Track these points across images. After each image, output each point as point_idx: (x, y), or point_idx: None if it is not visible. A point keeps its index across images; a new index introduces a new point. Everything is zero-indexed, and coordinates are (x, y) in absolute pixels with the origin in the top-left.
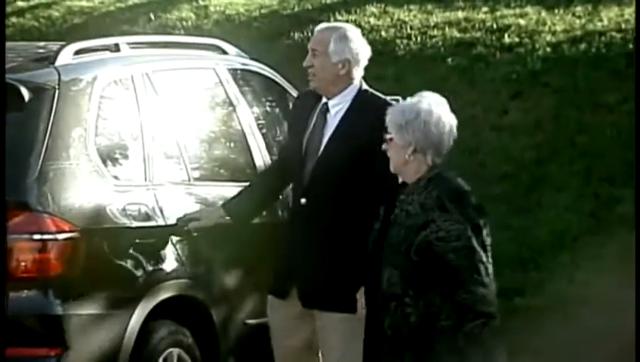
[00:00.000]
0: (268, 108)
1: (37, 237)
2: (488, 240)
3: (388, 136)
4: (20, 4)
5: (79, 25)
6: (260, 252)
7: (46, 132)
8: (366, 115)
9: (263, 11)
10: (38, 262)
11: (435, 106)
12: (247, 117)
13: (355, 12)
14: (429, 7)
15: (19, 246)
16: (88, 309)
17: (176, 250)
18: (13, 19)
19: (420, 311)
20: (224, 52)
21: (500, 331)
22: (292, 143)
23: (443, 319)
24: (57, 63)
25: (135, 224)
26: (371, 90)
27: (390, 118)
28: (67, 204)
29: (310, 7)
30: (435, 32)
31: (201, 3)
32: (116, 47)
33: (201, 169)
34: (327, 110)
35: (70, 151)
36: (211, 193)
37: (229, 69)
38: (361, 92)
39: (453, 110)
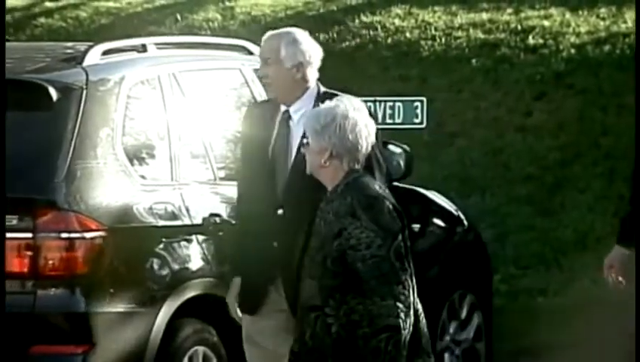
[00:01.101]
0: None
1: (64, 235)
2: (405, 247)
3: (304, 141)
4: (48, 4)
5: (107, 25)
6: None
7: (74, 131)
8: None
9: (288, 12)
10: (65, 261)
11: (351, 111)
12: None
13: (380, 13)
14: (454, 8)
15: (47, 244)
16: (115, 307)
17: (202, 248)
18: (42, 20)
19: (341, 321)
20: (250, 52)
21: (406, 346)
22: (256, 156)
23: (365, 326)
24: (85, 64)
25: (161, 223)
26: (330, 90)
27: (306, 122)
28: (94, 203)
29: (335, 9)
30: (460, 34)
31: (227, 4)
32: (143, 48)
33: (226, 168)
34: (290, 117)
35: (98, 151)
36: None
37: (255, 70)
38: (320, 94)
39: (477, 111)
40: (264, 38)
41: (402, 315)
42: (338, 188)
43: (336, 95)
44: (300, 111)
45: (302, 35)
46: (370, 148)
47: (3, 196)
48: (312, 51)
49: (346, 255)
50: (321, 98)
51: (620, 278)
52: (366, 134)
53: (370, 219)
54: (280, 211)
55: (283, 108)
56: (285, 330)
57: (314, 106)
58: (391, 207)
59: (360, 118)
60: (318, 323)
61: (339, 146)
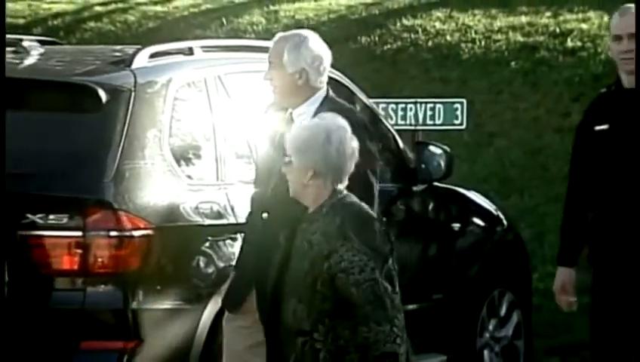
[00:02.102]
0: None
1: (113, 234)
2: (394, 269)
3: (286, 160)
4: (98, 9)
5: (154, 29)
6: None
7: (122, 133)
8: None
9: (331, 16)
10: (114, 258)
11: (335, 129)
12: None
13: (421, 17)
14: (493, 11)
15: (96, 242)
16: (162, 304)
17: None
18: (91, 24)
19: (330, 347)
20: None
21: None
22: (261, 158)
23: (352, 352)
24: (133, 66)
25: (207, 222)
26: (337, 97)
27: (289, 140)
28: (142, 202)
29: (377, 12)
30: (499, 36)
31: (272, 8)
32: (190, 51)
33: None
34: (292, 120)
35: (145, 152)
36: None
37: None
38: (325, 100)
39: (516, 112)
40: (273, 39)
41: (399, 340)
42: (322, 208)
43: (340, 102)
44: (302, 115)
45: (310, 39)
46: (353, 168)
47: (3, 195)
48: (318, 56)
49: (337, 278)
50: (325, 104)
51: (573, 299)
52: (350, 153)
53: (363, 241)
54: (265, 215)
55: (289, 109)
56: (257, 338)
57: (317, 111)
58: (381, 228)
59: (344, 136)
60: (305, 348)
61: (322, 165)
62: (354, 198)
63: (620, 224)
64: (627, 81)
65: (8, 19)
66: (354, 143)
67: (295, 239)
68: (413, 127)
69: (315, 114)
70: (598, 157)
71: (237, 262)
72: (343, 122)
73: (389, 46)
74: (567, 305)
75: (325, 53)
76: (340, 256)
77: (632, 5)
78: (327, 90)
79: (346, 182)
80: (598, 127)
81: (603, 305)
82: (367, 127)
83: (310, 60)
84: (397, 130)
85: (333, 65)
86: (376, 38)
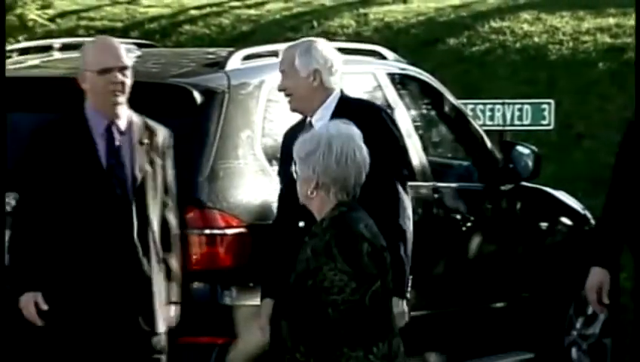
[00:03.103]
0: (424, 111)
1: (207, 231)
2: (386, 290)
3: (292, 169)
4: (193, 12)
5: (247, 32)
6: (417, 248)
7: (216, 133)
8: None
9: (419, 18)
10: (208, 255)
11: (336, 138)
12: (405, 119)
13: (509, 19)
14: (581, 13)
15: (191, 240)
16: (254, 300)
17: None
18: (187, 27)
19: None
20: (383, 57)
21: None
22: (286, 167)
23: None
24: (227, 68)
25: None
26: (353, 97)
27: (295, 148)
28: (235, 201)
29: (465, 15)
30: (587, 38)
31: (361, 11)
32: None
33: None
34: (312, 127)
35: (239, 152)
36: None
37: (388, 74)
38: (342, 100)
39: (604, 113)
40: (282, 50)
41: None
42: (324, 222)
43: (359, 99)
44: (321, 121)
45: (319, 43)
46: (362, 179)
47: (3, 195)
48: (329, 57)
49: (316, 297)
50: (342, 104)
51: (606, 301)
52: (355, 162)
53: (346, 260)
54: (301, 223)
55: (308, 119)
56: None
57: (334, 113)
58: (370, 249)
59: (347, 145)
60: None
61: (323, 176)
62: (356, 213)
63: None
64: None
65: (107, 23)
66: (360, 153)
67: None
68: (500, 128)
69: (333, 116)
70: None
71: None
72: (347, 130)
73: (477, 48)
74: (599, 309)
75: (335, 55)
76: (323, 274)
77: None
78: (341, 91)
79: (355, 194)
80: None
81: None
82: (394, 122)
83: (322, 61)
84: (485, 131)
85: (422, 67)
86: (465, 40)
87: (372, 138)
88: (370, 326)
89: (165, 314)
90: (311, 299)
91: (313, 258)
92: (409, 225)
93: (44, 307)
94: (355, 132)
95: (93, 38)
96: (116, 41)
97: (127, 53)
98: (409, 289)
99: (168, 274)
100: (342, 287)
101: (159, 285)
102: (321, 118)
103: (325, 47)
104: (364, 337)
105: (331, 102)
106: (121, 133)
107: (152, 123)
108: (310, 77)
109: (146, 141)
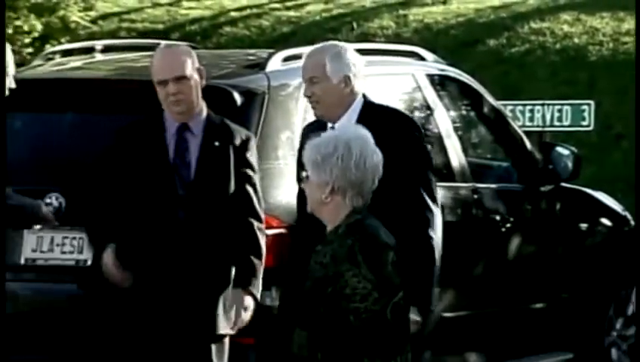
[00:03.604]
0: (464, 112)
1: None
2: (404, 305)
3: (304, 174)
4: (233, 14)
5: (287, 33)
6: (457, 249)
7: (256, 133)
8: (376, 127)
9: (459, 19)
10: None
11: (355, 140)
12: (444, 120)
13: (549, 19)
14: (621, 14)
15: None
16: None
17: None
18: (227, 29)
19: None
20: (422, 58)
21: None
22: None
23: None
24: (267, 69)
25: None
26: (377, 102)
27: (306, 153)
28: (275, 202)
29: (505, 16)
30: (627, 39)
31: (401, 12)
32: None
33: None
34: None
35: (279, 152)
36: None
37: (427, 75)
38: (366, 105)
39: None
40: (306, 55)
41: None
42: (339, 229)
43: (382, 105)
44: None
45: (344, 47)
46: (376, 183)
47: (3, 195)
48: (357, 61)
49: (337, 305)
50: (366, 109)
51: None
52: (372, 167)
53: (370, 268)
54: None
55: (329, 125)
56: None
57: (358, 120)
58: (395, 258)
59: (365, 147)
60: None
61: (341, 179)
62: (373, 221)
63: None
64: None
65: (148, 25)
66: (376, 157)
67: (311, 261)
68: (540, 129)
69: (358, 122)
70: None
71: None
72: (364, 133)
73: (516, 49)
74: None
75: (361, 59)
76: (345, 280)
77: None
78: (365, 97)
79: (366, 200)
80: None
81: None
82: (420, 129)
83: (352, 66)
84: (524, 132)
85: (461, 68)
86: (504, 41)
87: (398, 144)
88: (390, 339)
89: (229, 316)
90: (331, 306)
91: (333, 264)
92: (438, 236)
93: (115, 262)
94: (369, 134)
95: (162, 44)
96: (176, 49)
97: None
98: (435, 302)
99: (240, 275)
100: (365, 295)
101: (222, 286)
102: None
103: (352, 52)
104: (384, 349)
105: (355, 107)
106: (192, 134)
107: (232, 125)
108: (342, 84)
109: (219, 143)
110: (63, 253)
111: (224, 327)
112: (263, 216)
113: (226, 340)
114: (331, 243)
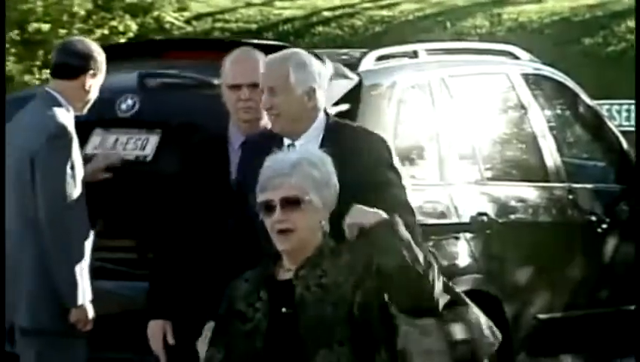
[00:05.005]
0: (559, 112)
1: None
2: None
3: (307, 198)
4: (326, 14)
5: (380, 33)
6: (551, 250)
7: None
8: (343, 146)
9: (554, 18)
10: None
11: (328, 161)
12: (539, 120)
13: None
14: None
15: None
16: None
17: (470, 246)
18: (320, 29)
19: None
20: (516, 57)
21: None
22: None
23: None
24: (360, 69)
25: (430, 221)
26: (341, 120)
27: (300, 173)
28: None
29: (601, 14)
30: None
31: (495, 11)
32: (414, 54)
33: (493, 169)
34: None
35: None
36: (503, 192)
37: (521, 74)
38: (329, 123)
39: None
40: (266, 62)
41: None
42: (322, 250)
43: (350, 125)
44: (306, 146)
45: (307, 55)
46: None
47: (3, 196)
48: (322, 72)
49: (378, 300)
50: (330, 127)
51: None
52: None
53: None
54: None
55: (287, 141)
56: None
57: (323, 138)
58: None
59: (332, 168)
60: None
61: (333, 201)
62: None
63: None
64: None
65: (241, 25)
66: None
67: (296, 289)
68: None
69: (324, 140)
70: None
71: None
72: (322, 153)
73: (613, 47)
74: None
75: (326, 69)
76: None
77: None
78: (327, 114)
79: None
80: None
81: None
82: (389, 146)
83: (318, 78)
84: (621, 132)
85: (556, 67)
86: (600, 40)
87: (367, 164)
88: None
89: None
90: (374, 295)
91: (351, 274)
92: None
93: (172, 341)
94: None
95: (238, 49)
96: (253, 54)
97: (321, 63)
98: None
99: None
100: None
101: None
102: (306, 143)
103: (316, 61)
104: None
105: (319, 124)
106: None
107: None
108: (305, 96)
109: None
110: None
111: None
112: None
113: None
114: (319, 265)
